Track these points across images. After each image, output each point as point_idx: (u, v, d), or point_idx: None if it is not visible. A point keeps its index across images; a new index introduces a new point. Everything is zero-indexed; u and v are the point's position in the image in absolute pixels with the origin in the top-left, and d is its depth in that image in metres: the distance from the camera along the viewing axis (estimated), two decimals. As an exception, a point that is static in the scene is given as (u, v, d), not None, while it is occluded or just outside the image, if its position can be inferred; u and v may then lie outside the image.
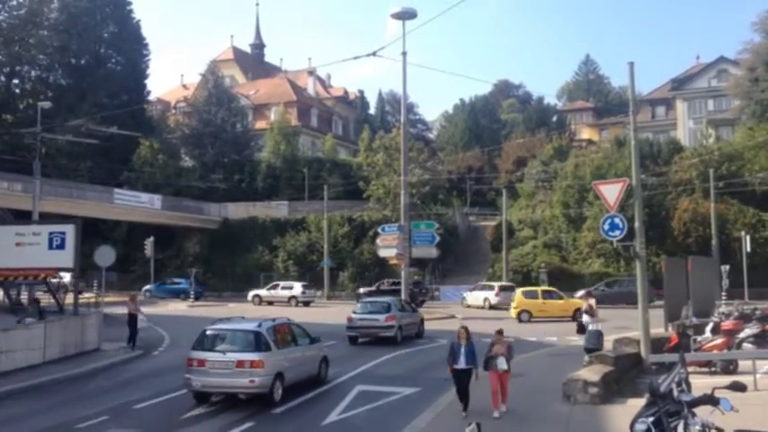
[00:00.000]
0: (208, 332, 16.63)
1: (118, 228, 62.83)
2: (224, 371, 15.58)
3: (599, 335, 18.75)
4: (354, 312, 28.20)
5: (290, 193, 68.46)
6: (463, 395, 13.95)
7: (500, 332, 14.31)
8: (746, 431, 6.78)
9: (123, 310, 41.16)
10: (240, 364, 15.53)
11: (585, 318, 21.04)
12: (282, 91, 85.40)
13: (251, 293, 52.44)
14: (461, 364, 13.79)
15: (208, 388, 15.90)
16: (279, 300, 49.86)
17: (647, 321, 17.32)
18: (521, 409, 14.15)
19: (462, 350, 13.86)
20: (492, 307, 44.81)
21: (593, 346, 17.94)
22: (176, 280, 57.23)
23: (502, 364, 13.67)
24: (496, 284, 47.64)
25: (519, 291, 40.16)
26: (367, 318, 27.61)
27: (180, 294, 54.05)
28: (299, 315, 32.03)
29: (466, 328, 14.23)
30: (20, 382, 18.75)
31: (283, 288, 51.15)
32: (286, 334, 17.57)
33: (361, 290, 51.23)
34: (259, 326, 16.64)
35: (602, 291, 45.92)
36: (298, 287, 51.05)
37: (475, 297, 47.68)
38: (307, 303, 49.66)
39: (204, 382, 15.72)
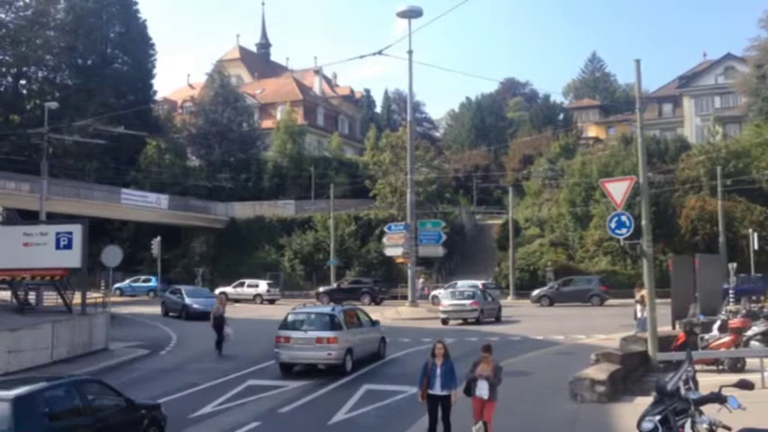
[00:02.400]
0: (290, 316, 20.48)
1: (125, 227, 63.04)
2: (306, 346, 19.29)
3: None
4: (444, 299, 35.26)
5: (296, 192, 68.52)
6: (444, 425, 11.53)
7: (487, 349, 11.64)
8: (754, 429, 6.75)
9: (129, 310, 41.57)
10: (319, 340, 19.17)
11: (638, 307, 22.72)
12: (288, 90, 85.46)
13: (217, 291, 53.09)
14: (437, 388, 11.40)
15: (293, 359, 19.64)
16: (245, 297, 51.19)
17: (655, 320, 17.28)
18: (528, 407, 14.13)
19: (438, 371, 11.43)
20: None
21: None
22: (146, 278, 57.80)
23: (482, 389, 11.07)
24: (480, 281, 47.59)
25: None
26: (456, 303, 34.11)
27: (149, 293, 54.82)
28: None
29: (443, 344, 11.79)
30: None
31: (249, 286, 52.42)
32: (353, 317, 21.35)
33: (321, 288, 51.48)
34: (333, 309, 20.84)
35: (557, 289, 46.10)
36: (263, 285, 52.30)
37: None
38: (272, 301, 50.63)
39: (290, 355, 19.52)
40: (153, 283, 56.67)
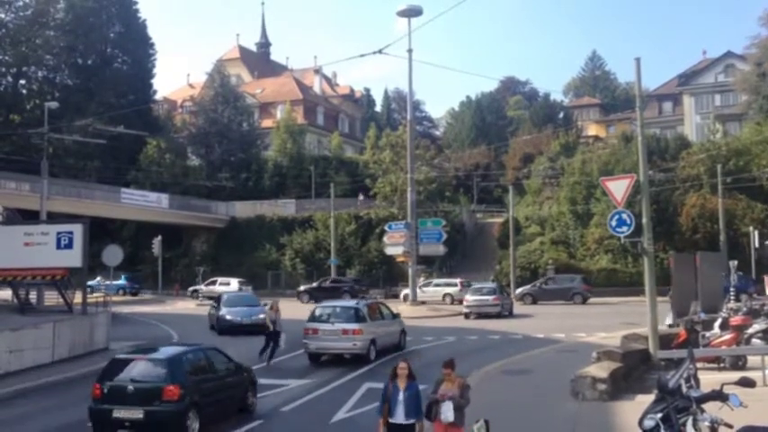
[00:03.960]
0: (318, 309, 22.54)
1: (125, 227, 63.05)
2: (332, 337, 21.15)
3: None
4: (468, 295, 37.59)
5: (296, 192, 68.52)
6: None
7: (449, 364, 9.93)
8: (756, 427, 6.75)
9: (129, 309, 41.58)
10: (345, 331, 20.99)
11: None
12: (289, 89, 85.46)
13: (190, 289, 55.81)
14: (399, 416, 9.64)
15: (321, 350, 21.48)
16: (216, 295, 51.16)
17: (656, 317, 17.28)
18: (529, 405, 14.13)
19: (401, 396, 9.66)
20: (455, 302, 44.38)
21: None
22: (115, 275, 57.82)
23: (446, 412, 9.50)
24: (458, 279, 47.85)
25: None
26: (479, 299, 36.56)
27: (119, 291, 54.39)
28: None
29: (407, 363, 10.01)
30: (29, 382, 18.83)
31: (221, 284, 52.71)
32: (376, 310, 23.14)
33: (302, 287, 52.12)
34: (357, 303, 23.23)
35: (540, 287, 46.24)
36: (234, 283, 52.39)
37: (433, 292, 46.70)
38: None
39: (318, 345, 21.40)
40: (122, 280, 56.57)
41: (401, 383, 9.75)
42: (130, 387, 12.65)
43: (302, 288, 51.61)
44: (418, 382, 9.93)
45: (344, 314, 21.83)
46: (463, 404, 9.68)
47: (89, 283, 54.05)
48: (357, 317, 21.42)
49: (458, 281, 47.66)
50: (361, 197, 63.65)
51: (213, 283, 53.24)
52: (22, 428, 14.27)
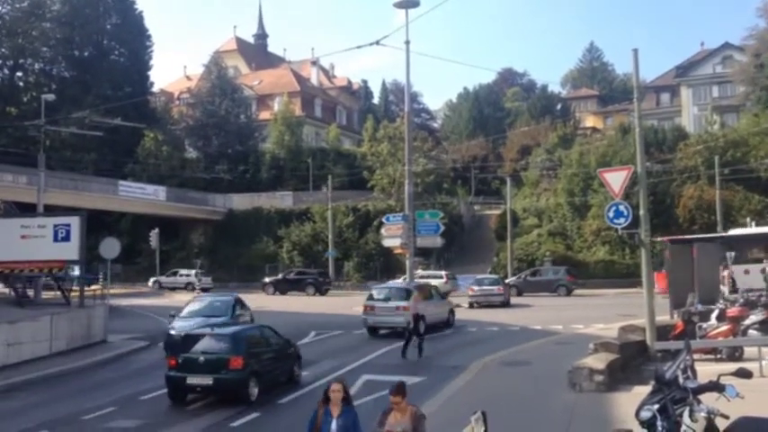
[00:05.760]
0: (375, 290, 27.46)
1: (123, 219, 63.04)
2: (387, 313, 25.45)
3: None
4: (474, 285, 39.21)
5: (294, 184, 68.49)
6: None
7: (398, 391, 7.85)
8: (752, 418, 6.77)
9: (128, 302, 41.57)
10: (398, 308, 25.01)
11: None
12: (286, 81, 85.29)
13: (152, 279, 57.33)
14: None
15: (377, 324, 25.73)
16: (178, 285, 54.74)
17: (653, 309, 17.29)
18: (526, 397, 14.16)
19: (333, 425, 7.89)
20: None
21: None
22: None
23: None
24: (443, 272, 47.88)
25: None
26: (485, 289, 38.54)
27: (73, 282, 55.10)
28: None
29: (342, 384, 8.13)
30: (27, 374, 18.85)
31: (181, 275, 55.78)
32: (425, 291, 26.72)
33: (267, 279, 52.87)
34: (408, 285, 28.23)
35: (525, 279, 46.33)
36: (192, 275, 55.33)
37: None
38: (205, 290, 50.34)
39: (375, 320, 25.78)
40: (76, 272, 56.59)
41: (334, 410, 7.92)
42: (201, 358, 14.93)
43: (267, 280, 52.56)
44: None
45: (398, 294, 26.17)
46: None
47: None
48: (408, 296, 24.77)
49: (443, 273, 47.52)
50: None
51: (174, 274, 53.93)
52: (21, 420, 14.27)
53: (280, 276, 52.81)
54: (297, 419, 14.89)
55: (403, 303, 24.83)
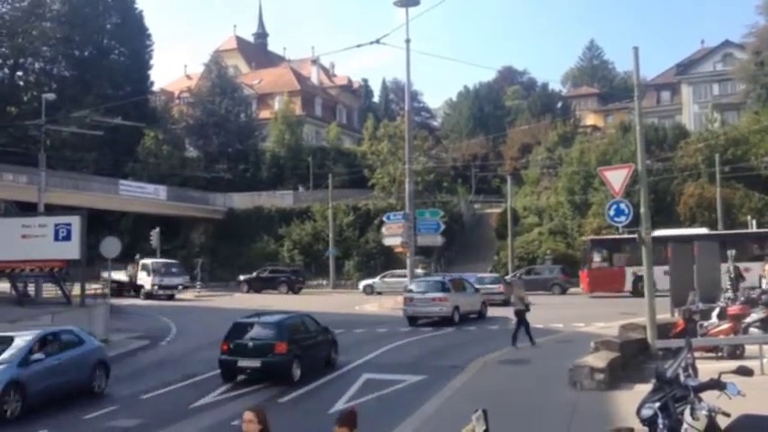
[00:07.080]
0: (413, 284, 30.46)
1: (123, 219, 62.95)
2: (424, 303, 27.98)
3: None
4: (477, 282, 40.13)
5: (294, 183, 68.52)
6: None
7: (346, 421, 6.13)
8: (753, 416, 6.76)
9: (129, 302, 41.57)
10: (434, 299, 27.73)
11: (764, 281, 25.30)
12: (286, 80, 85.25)
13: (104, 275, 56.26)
14: None
15: (415, 314, 28.09)
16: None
17: (654, 307, 17.27)
18: (527, 395, 14.15)
19: None
20: None
21: None
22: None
23: None
24: (423, 272, 47.42)
25: None
26: (486, 288, 38.66)
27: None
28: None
29: (256, 414, 6.52)
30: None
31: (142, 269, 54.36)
32: (459, 284, 30.05)
33: (242, 277, 53.00)
34: (443, 277, 31.11)
35: (519, 278, 46.27)
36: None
37: (395, 284, 45.13)
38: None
39: (413, 310, 28.16)
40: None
41: None
42: (250, 344, 16.83)
43: (242, 278, 52.66)
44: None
45: (434, 286, 28.67)
46: None
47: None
48: (443, 288, 28.04)
49: (423, 273, 47.20)
50: None
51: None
52: (21, 420, 14.25)
53: (254, 275, 52.68)
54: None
55: (439, 295, 27.58)
